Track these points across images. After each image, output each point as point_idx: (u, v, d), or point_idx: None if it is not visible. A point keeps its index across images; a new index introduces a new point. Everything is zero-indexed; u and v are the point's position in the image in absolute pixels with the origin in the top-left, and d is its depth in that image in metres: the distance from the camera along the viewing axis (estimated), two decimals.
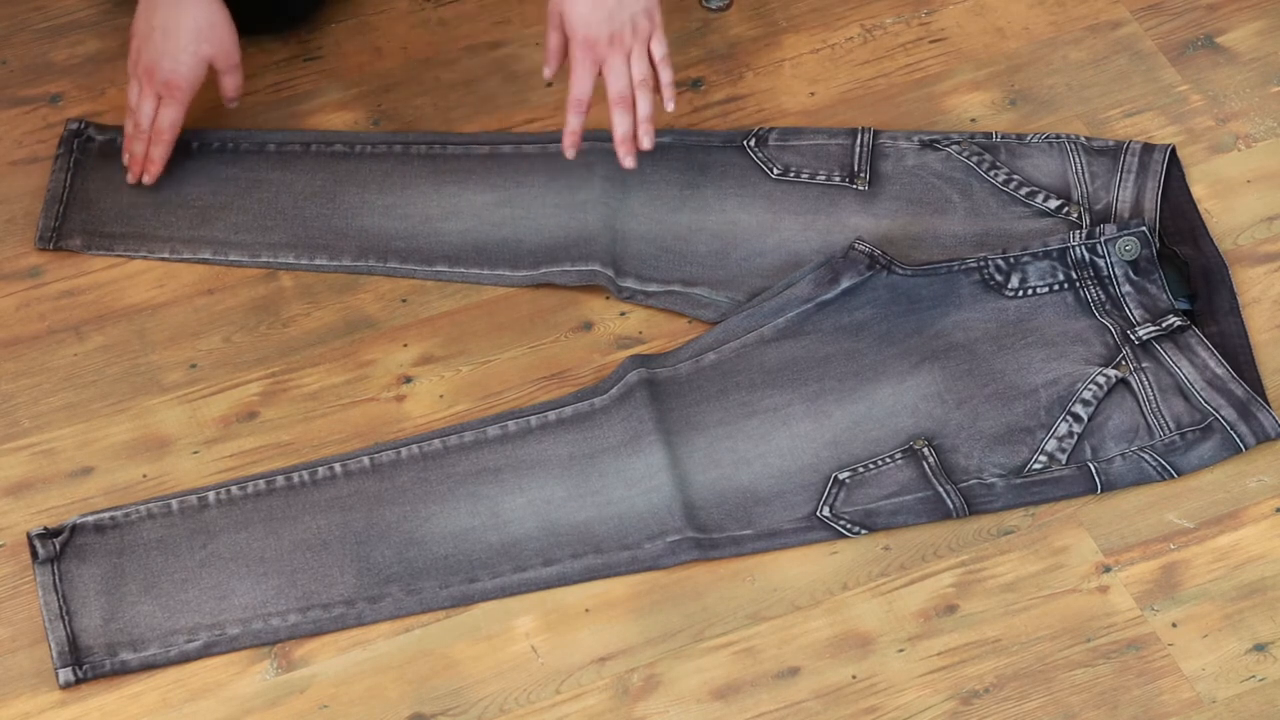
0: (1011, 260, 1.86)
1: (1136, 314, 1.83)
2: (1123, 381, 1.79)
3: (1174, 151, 1.95)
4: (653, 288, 1.89)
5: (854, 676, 1.65)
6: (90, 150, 1.98)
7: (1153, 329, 1.81)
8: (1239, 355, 1.81)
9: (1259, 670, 1.65)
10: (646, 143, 1.85)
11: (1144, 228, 1.86)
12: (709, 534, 1.72)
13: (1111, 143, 1.96)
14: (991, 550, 1.72)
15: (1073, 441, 1.76)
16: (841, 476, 1.75)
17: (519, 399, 1.82)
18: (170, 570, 1.70)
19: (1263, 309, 1.87)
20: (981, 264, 1.86)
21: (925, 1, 2.12)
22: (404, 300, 1.89)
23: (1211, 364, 1.79)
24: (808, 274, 1.86)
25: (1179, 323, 1.81)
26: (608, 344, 1.86)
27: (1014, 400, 1.79)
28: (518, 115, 2.02)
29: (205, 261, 1.91)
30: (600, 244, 1.91)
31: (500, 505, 1.74)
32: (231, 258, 1.92)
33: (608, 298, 1.89)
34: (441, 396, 1.83)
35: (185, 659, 1.66)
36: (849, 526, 1.73)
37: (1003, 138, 1.97)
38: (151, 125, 1.91)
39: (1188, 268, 1.88)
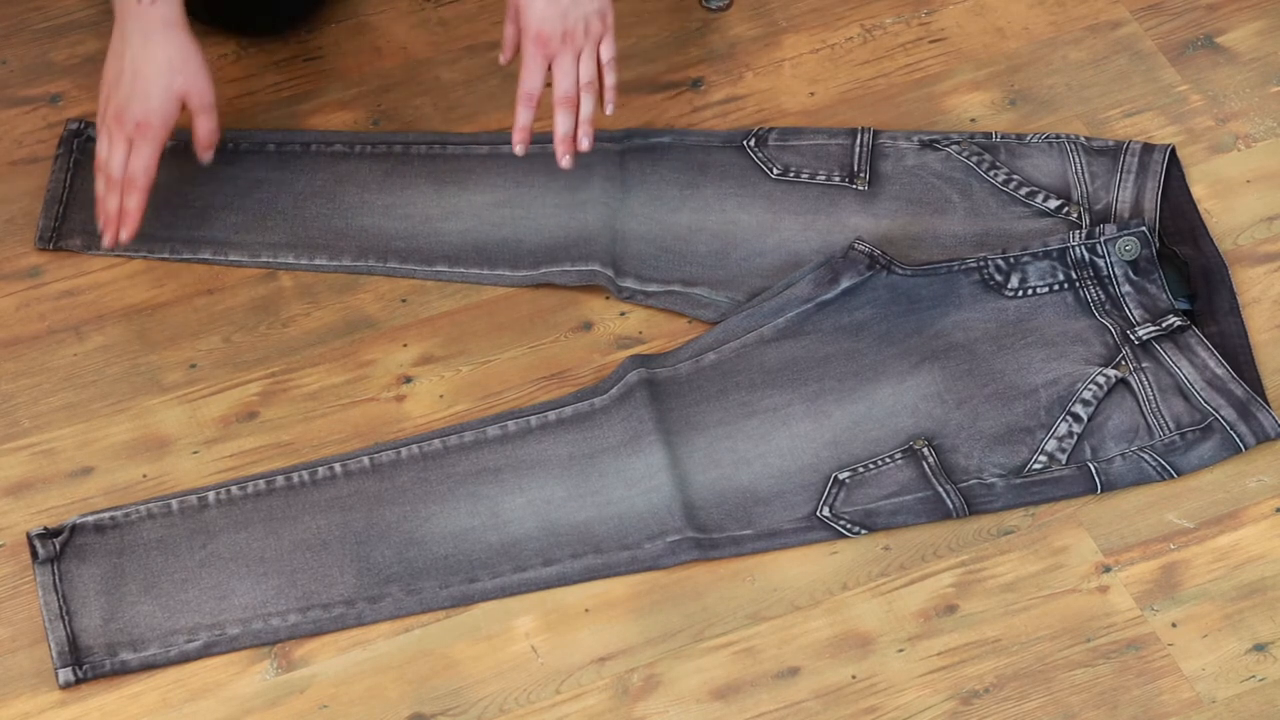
0: (1011, 260, 1.86)
1: (1136, 314, 1.83)
2: (1123, 381, 1.79)
3: (1174, 151, 1.95)
4: (653, 288, 1.89)
5: (854, 676, 1.65)
6: (90, 150, 1.98)
7: (1153, 329, 1.81)
8: (1239, 355, 1.81)
9: (1259, 670, 1.65)
10: (585, 144, 1.85)
11: (1144, 228, 1.86)
12: (709, 534, 1.72)
13: (1111, 143, 1.96)
14: (991, 550, 1.72)
15: (1073, 441, 1.76)
16: (841, 476, 1.75)
17: (519, 399, 1.82)
18: (170, 570, 1.70)
19: (1263, 309, 1.87)
20: (981, 264, 1.86)
21: (925, 1, 2.12)
22: (404, 300, 1.89)
23: (1211, 364, 1.79)
24: (808, 274, 1.86)
25: (1179, 323, 1.81)
26: (608, 344, 1.86)
27: (1014, 400, 1.79)
28: None
29: (205, 261, 1.91)
30: (600, 244, 1.91)
31: (500, 505, 1.74)
32: (231, 258, 1.92)
33: (608, 298, 1.89)
34: (441, 396, 1.83)
35: (185, 659, 1.66)
36: (849, 526, 1.73)
37: (1003, 138, 1.97)
38: (124, 173, 1.80)
39: (1188, 268, 1.88)
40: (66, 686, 1.65)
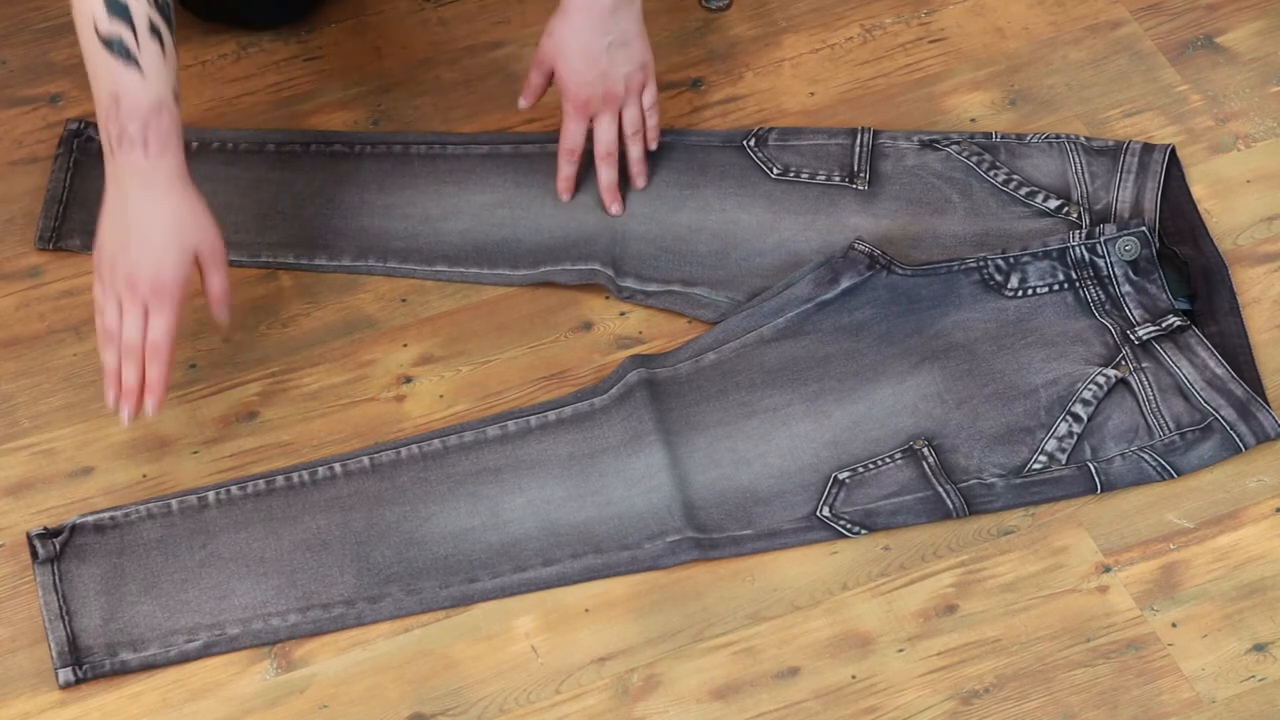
0: (1011, 260, 1.86)
1: (1136, 314, 1.83)
2: (1122, 381, 1.79)
3: (1174, 151, 1.95)
4: (652, 288, 1.89)
5: (854, 676, 1.65)
6: (90, 150, 1.98)
7: (1152, 329, 1.81)
8: (1239, 355, 1.81)
9: (1259, 670, 1.65)
10: (640, 182, 1.93)
11: (1144, 228, 1.86)
12: (709, 534, 1.72)
13: (1111, 143, 1.96)
14: (991, 550, 1.72)
15: (1073, 441, 1.76)
16: (841, 476, 1.75)
17: (519, 399, 1.82)
18: (170, 570, 1.70)
19: (1263, 309, 1.87)
20: (981, 264, 1.86)
21: (925, 1, 2.12)
22: (404, 300, 1.89)
23: (1211, 364, 1.79)
24: (808, 274, 1.86)
25: (1179, 323, 1.81)
26: (608, 344, 1.86)
27: (1014, 400, 1.79)
28: (518, 115, 2.02)
29: None
30: (600, 244, 1.91)
31: (500, 505, 1.74)
32: (231, 257, 1.91)
33: (608, 298, 1.89)
34: (441, 396, 1.83)
35: (185, 659, 1.66)
36: (849, 526, 1.73)
37: (1002, 138, 1.97)
38: (143, 342, 1.68)
39: (1188, 268, 1.88)
40: (66, 686, 1.65)
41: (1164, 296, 1.84)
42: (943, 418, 1.78)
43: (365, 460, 1.76)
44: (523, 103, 1.92)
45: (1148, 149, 1.95)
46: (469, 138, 2.00)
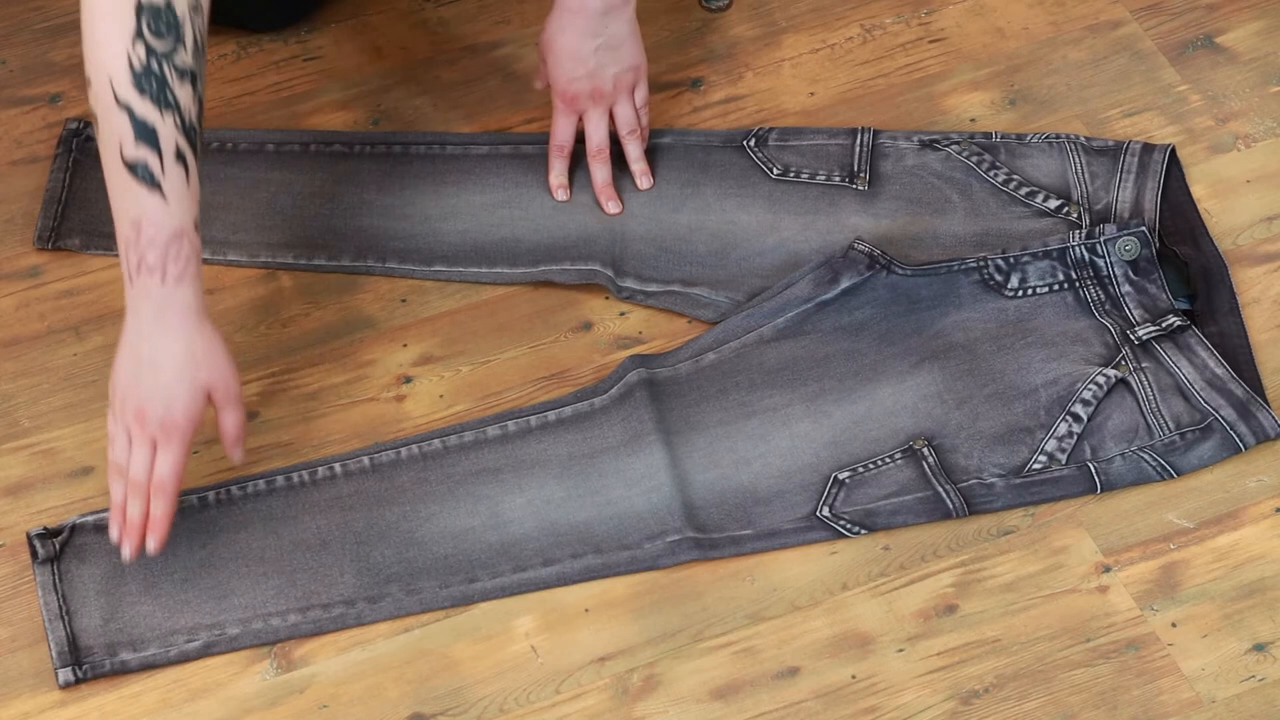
0: (1011, 260, 1.86)
1: (1136, 314, 1.83)
2: (1122, 381, 1.79)
3: (1174, 151, 1.95)
4: (652, 288, 1.89)
5: (854, 676, 1.65)
6: (89, 150, 1.98)
7: (1152, 329, 1.81)
8: (1239, 355, 1.81)
9: (1259, 670, 1.65)
10: (644, 183, 1.94)
11: (1144, 228, 1.86)
12: (709, 534, 1.72)
13: (1111, 143, 1.96)
14: (991, 550, 1.72)
15: (1072, 441, 1.76)
16: (841, 476, 1.75)
17: (519, 399, 1.82)
18: (170, 570, 1.70)
19: (1263, 309, 1.87)
20: (981, 264, 1.86)
21: (925, 1, 2.12)
22: (404, 300, 1.89)
23: (1211, 364, 1.79)
24: (807, 274, 1.86)
25: (1179, 323, 1.81)
26: (608, 344, 1.86)
27: (1014, 400, 1.79)
28: (517, 115, 2.02)
29: (205, 261, 1.91)
30: (600, 244, 1.91)
31: (500, 505, 1.74)
32: (230, 257, 1.92)
33: (608, 298, 1.89)
34: (441, 396, 1.83)
35: (185, 659, 1.66)
36: (849, 526, 1.73)
37: (1002, 138, 1.97)
38: (149, 478, 1.63)
39: (1187, 268, 1.88)
40: (66, 686, 1.65)
41: (1164, 296, 1.84)
42: (943, 418, 1.78)
43: (365, 460, 1.76)
44: (538, 84, 1.93)
45: (1148, 149, 1.95)
46: (469, 138, 2.00)
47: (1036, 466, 1.75)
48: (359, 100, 2.04)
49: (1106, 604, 1.69)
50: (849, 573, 1.71)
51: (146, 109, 1.57)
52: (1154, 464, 1.75)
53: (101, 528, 1.72)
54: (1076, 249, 1.86)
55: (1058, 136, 1.97)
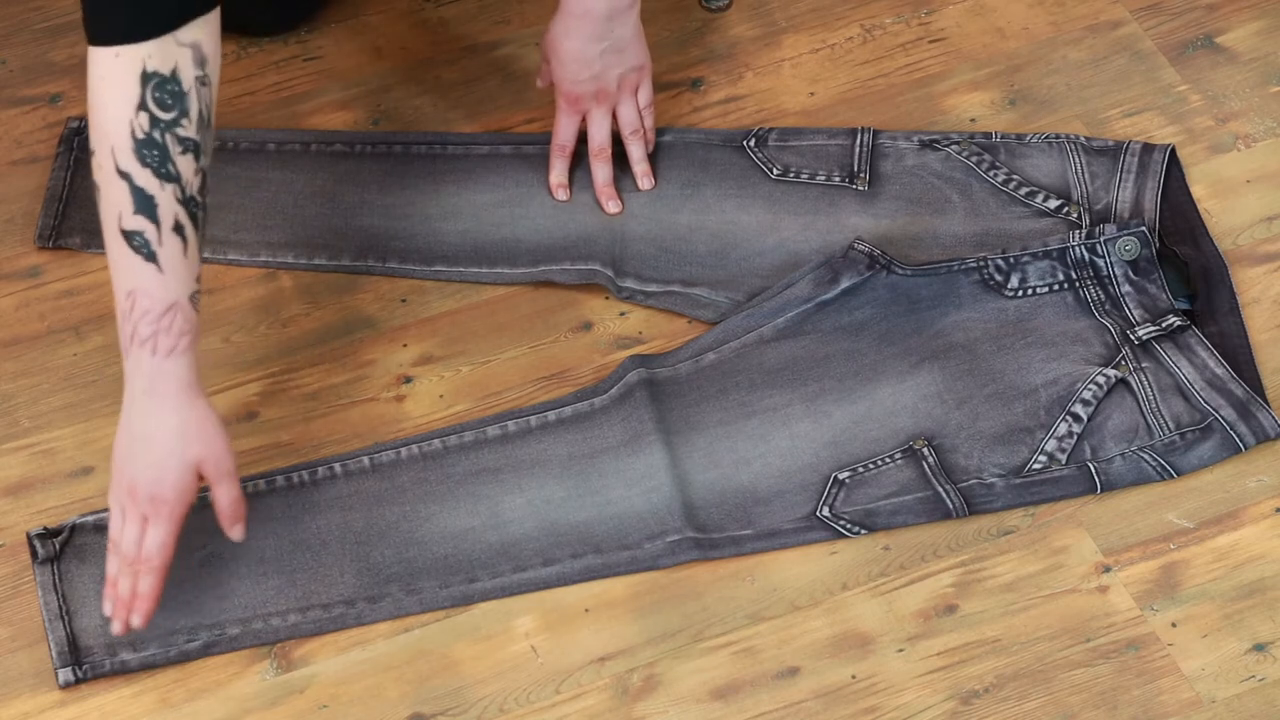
0: (1011, 260, 1.86)
1: (1136, 314, 1.83)
2: (1122, 381, 1.79)
3: (1174, 151, 1.95)
4: (652, 288, 1.89)
5: (854, 676, 1.65)
6: (90, 149, 1.97)
7: (1152, 329, 1.81)
8: (1239, 355, 1.81)
9: (1259, 670, 1.65)
10: (646, 184, 1.94)
11: (1144, 228, 1.86)
12: (709, 534, 1.72)
13: (1111, 143, 1.96)
14: (991, 550, 1.72)
15: (1072, 441, 1.76)
16: (841, 476, 1.75)
17: (519, 399, 1.82)
18: (170, 570, 1.70)
19: (1263, 309, 1.87)
20: (981, 264, 1.86)
21: (925, 1, 2.12)
22: (404, 300, 1.89)
23: (1211, 364, 1.79)
24: (807, 274, 1.86)
25: (1179, 323, 1.81)
26: (608, 344, 1.86)
27: (1014, 400, 1.79)
28: (518, 115, 2.02)
29: (205, 261, 1.91)
30: (600, 244, 1.91)
31: (500, 505, 1.74)
32: (230, 257, 1.92)
33: (608, 298, 1.89)
34: (441, 396, 1.83)
35: (185, 659, 1.66)
36: (849, 526, 1.73)
37: (1002, 138, 1.97)
38: (137, 553, 1.62)
39: (1187, 268, 1.88)
40: (66, 686, 1.65)
41: (1164, 296, 1.84)
42: (943, 418, 1.78)
43: (365, 460, 1.76)
44: (540, 83, 1.94)
45: (1148, 149, 1.95)
46: (469, 138, 2.00)
47: (1036, 466, 1.75)
48: (359, 100, 2.04)
49: (1106, 604, 1.69)
50: (849, 573, 1.71)
51: (146, 179, 1.56)
52: (1154, 464, 1.75)
53: (101, 528, 1.72)
54: (1076, 249, 1.86)
55: (1058, 136, 1.97)
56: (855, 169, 1.95)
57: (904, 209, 1.93)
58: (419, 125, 2.02)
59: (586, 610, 1.69)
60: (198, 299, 1.60)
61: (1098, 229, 1.86)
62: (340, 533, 1.73)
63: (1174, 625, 1.67)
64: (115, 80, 1.55)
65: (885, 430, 1.78)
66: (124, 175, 1.56)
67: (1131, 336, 1.81)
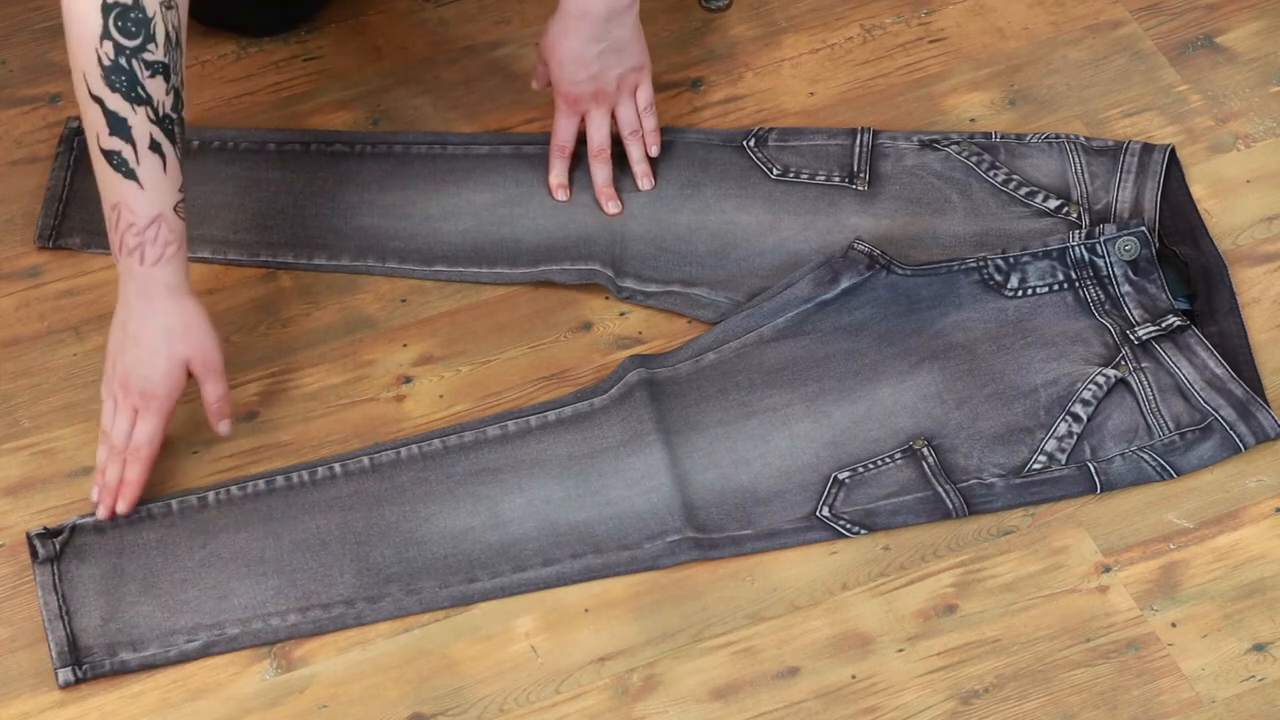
0: (1011, 260, 1.86)
1: (1136, 314, 1.83)
2: (1122, 381, 1.79)
3: (1174, 151, 1.95)
4: (652, 288, 1.89)
5: (854, 676, 1.65)
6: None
7: (1152, 329, 1.81)
8: (1238, 355, 1.81)
9: (1259, 670, 1.65)
10: (645, 184, 1.94)
11: (1143, 228, 1.86)
12: (709, 534, 1.72)
13: (1111, 143, 1.96)
14: (991, 550, 1.72)
15: (1072, 441, 1.76)
16: (841, 476, 1.75)
17: (519, 399, 1.82)
18: (170, 570, 1.70)
19: (1262, 309, 1.87)
20: (981, 264, 1.86)
21: (925, 1, 2.12)
22: (404, 300, 1.89)
23: (1211, 364, 1.79)
24: (807, 274, 1.86)
25: (1178, 323, 1.81)
26: (608, 344, 1.86)
27: (1013, 400, 1.79)
28: (518, 115, 2.02)
29: (204, 261, 1.91)
30: (600, 244, 1.91)
31: (500, 505, 1.74)
32: (230, 257, 1.92)
33: (608, 298, 1.89)
34: (441, 396, 1.83)
35: (185, 659, 1.66)
36: (849, 526, 1.73)
37: (1002, 138, 1.97)
38: (127, 443, 1.71)
39: (1187, 268, 1.88)
40: (66, 686, 1.65)
41: (1164, 296, 1.84)
42: (942, 418, 1.78)
43: (365, 460, 1.76)
44: (535, 85, 1.94)
45: (1147, 149, 1.95)
46: (469, 138, 2.00)
47: (1036, 466, 1.75)
48: (359, 100, 2.04)
49: (1106, 604, 1.69)
50: (849, 573, 1.71)
51: (117, 103, 1.63)
52: (1154, 464, 1.75)
53: (101, 528, 1.72)
54: (1076, 249, 1.86)
55: (1057, 136, 1.97)
56: (855, 169, 1.95)
57: (904, 209, 1.93)
58: (419, 125, 2.02)
59: (586, 610, 1.69)
60: (182, 207, 1.68)
61: (1098, 229, 1.86)
62: (340, 533, 1.73)
63: (1174, 625, 1.67)
64: (80, 11, 1.61)
65: (885, 430, 1.78)
66: (96, 99, 1.63)
67: (1131, 336, 1.81)
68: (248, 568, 1.71)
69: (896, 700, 1.64)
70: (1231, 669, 1.65)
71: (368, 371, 1.84)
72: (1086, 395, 1.78)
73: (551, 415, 1.79)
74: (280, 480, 1.75)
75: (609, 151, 1.92)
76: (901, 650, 1.67)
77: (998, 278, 1.85)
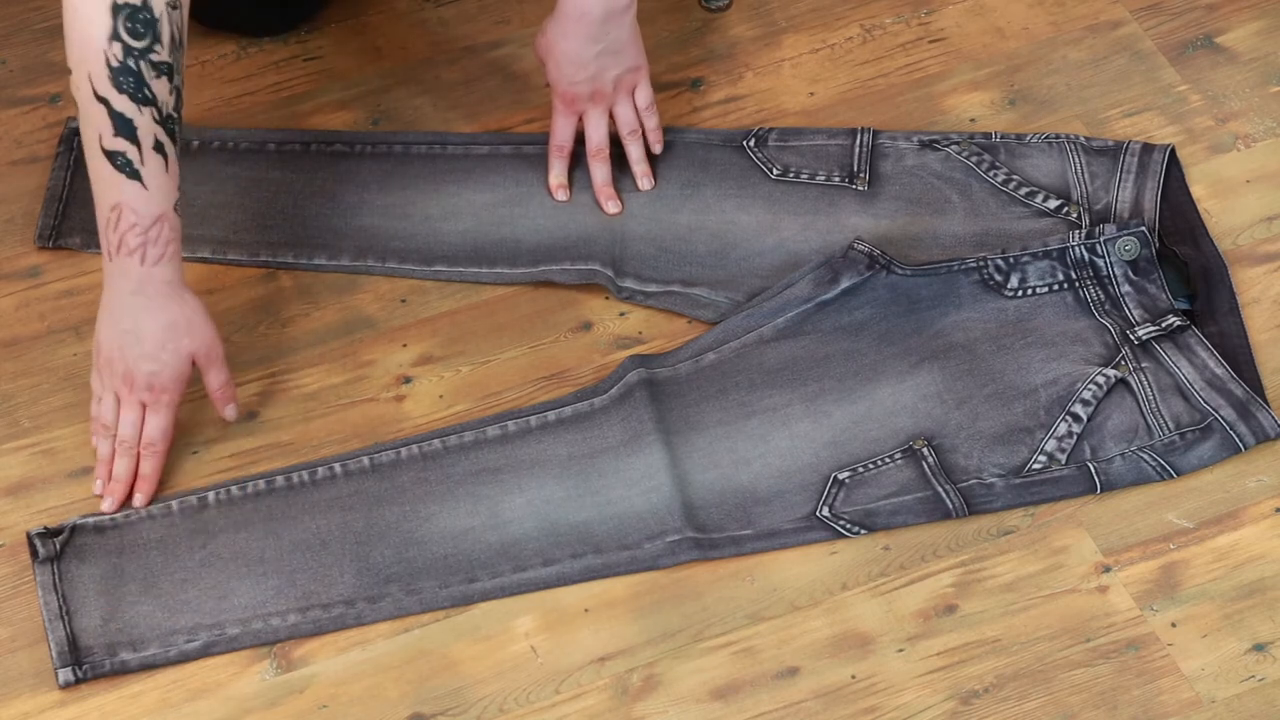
0: (1011, 260, 1.86)
1: (1136, 314, 1.83)
2: (1122, 381, 1.79)
3: (1174, 151, 1.95)
4: (652, 288, 1.89)
5: (853, 676, 1.65)
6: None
7: (1152, 329, 1.81)
8: (1238, 355, 1.81)
9: (1258, 670, 1.65)
10: (645, 184, 1.94)
11: (1143, 228, 1.86)
12: (708, 534, 1.72)
13: (1111, 143, 1.96)
14: (991, 550, 1.72)
15: (1072, 441, 1.76)
16: (841, 476, 1.75)
17: (519, 399, 1.82)
18: (170, 570, 1.70)
19: (1262, 309, 1.87)
20: (981, 264, 1.86)
21: (925, 1, 2.12)
22: (403, 300, 1.89)
23: (1211, 364, 1.79)
24: (807, 274, 1.86)
25: (1178, 323, 1.81)
26: (608, 344, 1.86)
27: (1013, 400, 1.79)
28: (518, 115, 2.02)
29: (204, 261, 1.91)
30: (600, 244, 1.91)
31: (500, 505, 1.74)
32: (230, 257, 1.92)
33: (607, 298, 1.89)
34: (441, 396, 1.83)
35: (185, 659, 1.66)
36: (848, 526, 1.73)
37: (1002, 138, 1.97)
38: (138, 438, 1.73)
39: (1187, 268, 1.88)
40: (66, 686, 1.65)
41: (1164, 296, 1.84)
42: (942, 418, 1.78)
43: (365, 460, 1.76)
44: (546, 82, 1.93)
45: (1147, 149, 1.95)
46: (469, 138, 2.00)
47: (1036, 466, 1.75)
48: (359, 100, 2.04)
49: (1106, 604, 1.69)
50: (849, 573, 1.71)
51: (124, 104, 1.62)
52: (1154, 464, 1.75)
53: (101, 528, 1.72)
54: (1076, 249, 1.86)
55: (1057, 136, 1.97)
56: (855, 169, 1.95)
57: (904, 209, 1.93)
58: (419, 125, 2.02)
59: (586, 610, 1.69)
60: (180, 204, 1.68)
61: (1097, 229, 1.86)
62: (340, 533, 1.73)
63: (1174, 625, 1.67)
64: (87, 12, 1.60)
65: (885, 430, 1.78)
66: (102, 100, 1.62)
67: (1131, 336, 1.81)
68: (248, 568, 1.71)
69: (896, 700, 1.64)
70: (1231, 669, 1.65)
71: (367, 371, 1.84)
72: (1086, 395, 1.78)
73: (551, 415, 1.79)
74: (280, 480, 1.75)
75: (608, 151, 1.93)
76: (901, 650, 1.67)
77: (998, 278, 1.85)
